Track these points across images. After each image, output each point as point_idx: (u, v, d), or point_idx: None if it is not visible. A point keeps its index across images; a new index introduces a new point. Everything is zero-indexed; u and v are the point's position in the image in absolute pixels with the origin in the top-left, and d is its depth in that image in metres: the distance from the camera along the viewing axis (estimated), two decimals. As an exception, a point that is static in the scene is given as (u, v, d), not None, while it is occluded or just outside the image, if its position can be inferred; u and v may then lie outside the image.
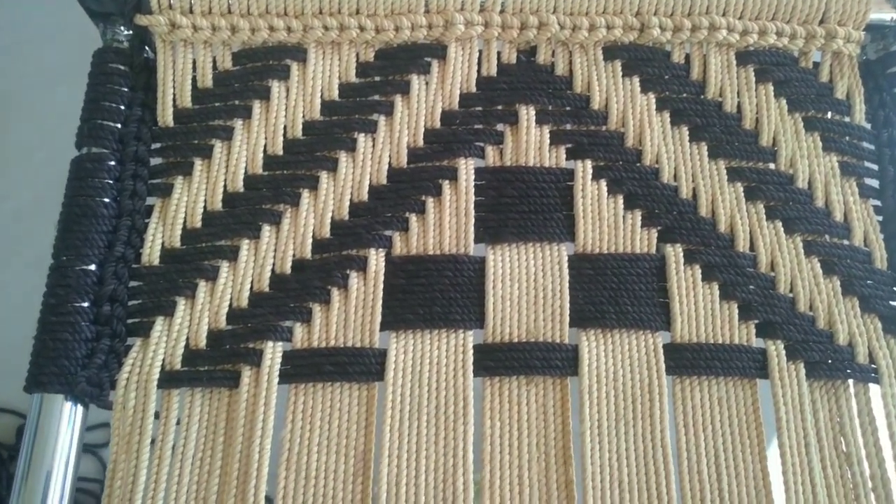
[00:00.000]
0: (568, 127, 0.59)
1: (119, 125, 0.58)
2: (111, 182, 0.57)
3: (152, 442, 0.51)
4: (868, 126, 0.62)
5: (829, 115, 0.61)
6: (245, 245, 0.56)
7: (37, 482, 0.50)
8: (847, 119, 0.62)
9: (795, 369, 0.55)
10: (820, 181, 0.59)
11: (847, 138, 0.61)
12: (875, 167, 0.61)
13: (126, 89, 0.59)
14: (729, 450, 0.53)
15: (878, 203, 0.60)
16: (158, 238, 0.56)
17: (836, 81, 0.62)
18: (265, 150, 0.58)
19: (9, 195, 1.27)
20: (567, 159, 0.59)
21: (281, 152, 0.58)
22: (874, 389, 0.55)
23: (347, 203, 0.57)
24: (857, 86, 0.62)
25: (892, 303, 0.57)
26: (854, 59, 0.62)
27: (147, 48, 0.60)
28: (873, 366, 0.55)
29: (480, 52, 0.60)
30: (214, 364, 0.53)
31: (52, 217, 0.57)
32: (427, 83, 0.59)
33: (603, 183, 0.58)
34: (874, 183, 0.61)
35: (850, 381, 0.55)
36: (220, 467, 0.51)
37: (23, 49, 1.36)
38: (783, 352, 0.55)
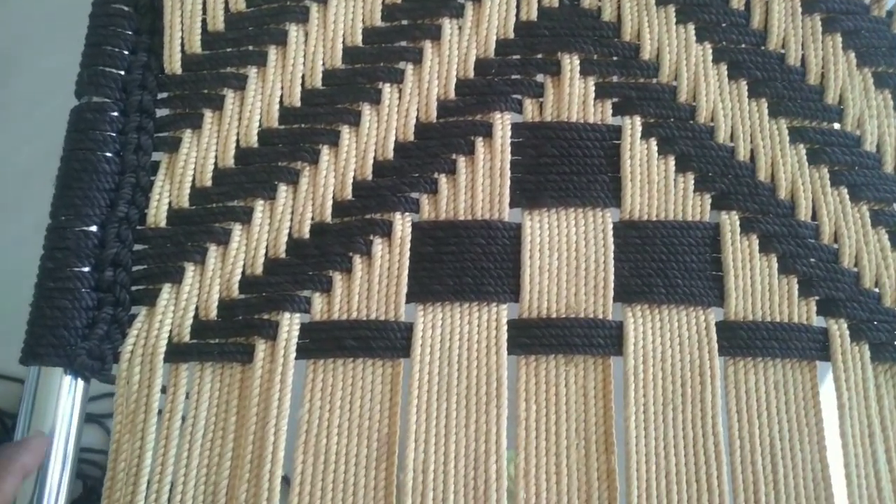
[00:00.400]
0: (615, 79, 0.55)
1: (122, 72, 0.54)
2: (114, 135, 0.53)
3: (158, 420, 0.48)
4: (946, 83, 0.56)
5: (903, 70, 0.56)
6: (259, 206, 0.52)
7: (34, 459, 0.47)
8: (923, 75, 0.56)
9: (859, 351, 0.51)
10: (890, 144, 0.55)
11: (922, 97, 0.55)
12: (952, 129, 0.56)
13: (130, 32, 0.55)
14: (786, 438, 0.49)
15: (954, 169, 0.55)
16: (165, 197, 0.52)
17: (912, 32, 0.56)
18: (281, 102, 0.54)
19: (10, 152, 1.23)
20: (613, 115, 0.54)
21: (299, 104, 0.54)
22: (945, 374, 0.51)
23: (371, 161, 0.53)
24: (937, 37, 0.56)
25: (966, 279, 0.52)
26: (934, 7, 0.56)
27: (152, -14, 0.56)
28: (945, 348, 0.51)
29: (519, -7, 0.55)
30: (226, 336, 0.50)
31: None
32: (460, 28, 0.55)
33: (653, 142, 0.53)
34: (951, 147, 0.56)
35: (920, 365, 0.51)
36: (232, 449, 0.48)
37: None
38: (846, 331, 0.51)
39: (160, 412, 0.48)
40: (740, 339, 0.50)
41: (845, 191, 0.53)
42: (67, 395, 0.48)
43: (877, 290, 0.52)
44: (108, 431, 1.08)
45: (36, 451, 0.46)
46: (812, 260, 0.52)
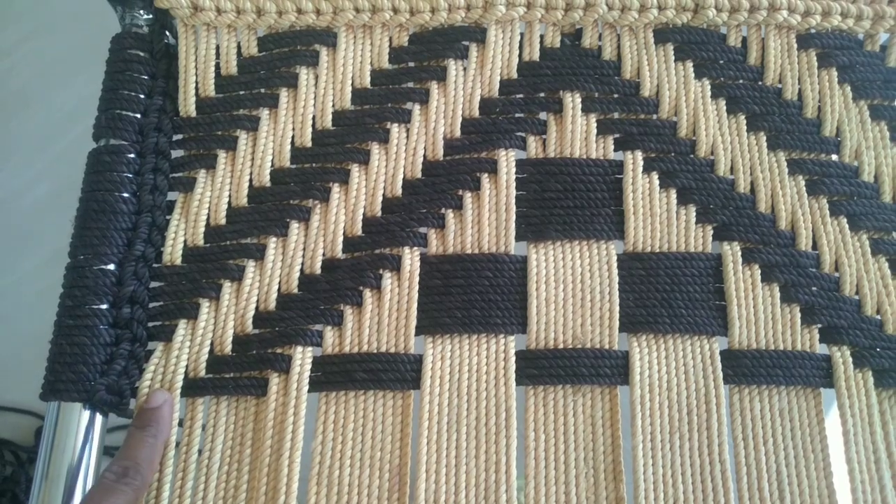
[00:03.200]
0: (616, 115, 0.56)
1: (139, 115, 0.55)
2: (130, 176, 0.54)
3: (175, 453, 0.48)
4: (940, 114, 0.57)
5: (897, 102, 0.57)
6: (272, 243, 0.53)
7: (55, 493, 0.48)
8: (918, 107, 0.57)
9: (863, 377, 0.51)
10: (887, 174, 0.56)
11: (917, 127, 0.57)
12: (948, 159, 0.57)
13: (146, 77, 0.56)
14: (791, 465, 0.49)
15: (951, 198, 0.56)
16: (181, 236, 0.53)
17: (905, 66, 0.58)
18: (293, 142, 0.55)
19: (26, 188, 1.25)
20: (615, 150, 0.55)
21: (309, 144, 0.55)
22: (948, 399, 0.51)
23: (380, 198, 0.54)
24: (929, 71, 0.57)
25: (966, 306, 0.53)
26: (926, 41, 0.57)
27: (168, 33, 0.58)
28: (947, 374, 0.51)
29: (522, 35, 0.57)
30: (241, 371, 0.51)
31: (71, 211, 0.54)
32: (465, 69, 0.56)
33: (654, 176, 0.54)
34: (947, 176, 0.57)
35: (923, 392, 0.51)
36: (248, 481, 0.48)
37: (40, 38, 1.34)
38: (849, 359, 0.51)
39: (177, 445, 0.49)
40: (745, 368, 0.51)
41: (845, 220, 0.54)
42: (87, 429, 0.49)
43: (878, 317, 0.53)
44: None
45: (164, 413, 0.48)
46: (814, 289, 0.53)
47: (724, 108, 0.56)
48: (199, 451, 0.49)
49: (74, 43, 1.27)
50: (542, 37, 0.57)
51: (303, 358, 0.50)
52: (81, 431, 0.49)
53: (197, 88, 0.56)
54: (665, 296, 0.52)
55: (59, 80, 1.28)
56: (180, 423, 0.49)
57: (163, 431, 0.48)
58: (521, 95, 0.56)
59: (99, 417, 0.49)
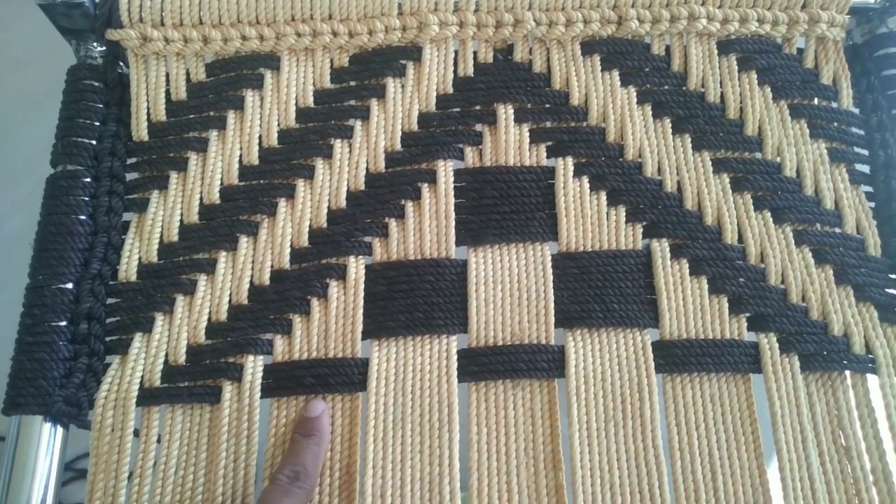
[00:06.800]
0: (548, 124, 0.58)
1: (94, 142, 0.58)
2: (86, 199, 0.56)
3: (132, 461, 0.50)
4: (856, 111, 0.60)
5: (816, 101, 0.60)
6: (223, 257, 0.55)
7: (17, 504, 0.49)
8: (834, 104, 0.60)
9: (789, 362, 0.53)
10: (808, 169, 0.58)
11: (835, 124, 0.60)
12: (865, 152, 0.60)
13: (100, 105, 0.59)
14: (723, 448, 0.51)
15: (869, 189, 0.59)
16: (135, 253, 0.56)
17: (821, 67, 0.61)
18: (241, 161, 0.57)
19: (5, 217, 1.27)
20: (548, 157, 0.58)
21: (256, 162, 0.57)
22: (872, 380, 0.54)
23: (325, 210, 0.56)
24: (844, 70, 0.61)
25: (887, 290, 0.56)
26: (839, 43, 0.61)
27: (121, 63, 0.60)
28: (870, 356, 0.54)
29: (456, 52, 0.59)
30: (194, 380, 0.52)
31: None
32: (403, 86, 0.59)
33: (585, 180, 0.57)
34: (865, 168, 0.60)
35: (847, 373, 0.54)
36: (203, 485, 0.50)
37: (13, 73, 1.36)
38: (776, 345, 0.54)
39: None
40: (675, 357, 0.53)
41: (769, 214, 0.57)
42: (47, 443, 0.50)
43: (804, 304, 0.55)
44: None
45: (324, 421, 0.51)
46: (741, 280, 0.55)
47: (650, 113, 0.59)
48: (155, 461, 0.51)
49: (48, 78, 1.29)
50: (475, 53, 0.59)
51: (254, 366, 0.52)
52: (43, 444, 0.50)
53: (149, 114, 0.58)
54: (598, 292, 0.55)
55: (32, 114, 1.30)
56: (136, 433, 0.51)
57: (324, 439, 0.50)
58: (457, 109, 0.59)
59: (59, 431, 0.51)
